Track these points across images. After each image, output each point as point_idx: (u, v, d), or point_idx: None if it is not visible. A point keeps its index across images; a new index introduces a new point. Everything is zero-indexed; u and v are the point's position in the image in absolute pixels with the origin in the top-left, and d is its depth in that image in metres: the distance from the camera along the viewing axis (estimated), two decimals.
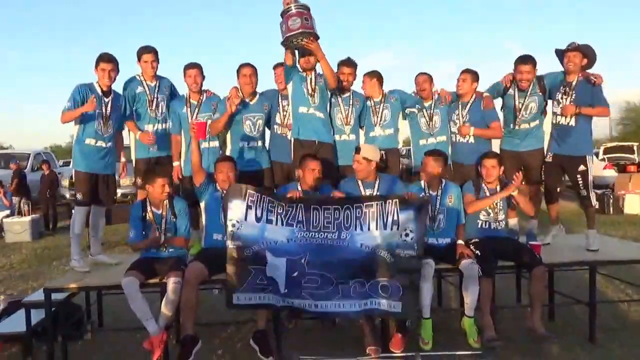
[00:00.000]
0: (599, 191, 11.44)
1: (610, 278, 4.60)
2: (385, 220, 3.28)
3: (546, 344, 3.53)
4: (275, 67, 4.42)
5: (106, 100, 3.94)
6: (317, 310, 3.24)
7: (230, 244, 3.25)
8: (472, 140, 4.25)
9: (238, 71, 4.21)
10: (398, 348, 3.30)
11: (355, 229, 3.29)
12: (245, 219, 3.26)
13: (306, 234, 3.28)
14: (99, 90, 3.90)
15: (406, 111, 4.47)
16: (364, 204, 3.34)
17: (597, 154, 15.25)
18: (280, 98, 4.37)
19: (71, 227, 3.99)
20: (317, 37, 3.79)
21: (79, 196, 3.91)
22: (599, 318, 3.77)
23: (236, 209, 3.28)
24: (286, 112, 4.31)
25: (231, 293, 3.22)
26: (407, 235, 3.27)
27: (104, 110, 3.90)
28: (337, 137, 4.30)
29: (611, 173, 13.61)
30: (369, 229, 3.28)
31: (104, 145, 3.95)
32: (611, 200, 10.60)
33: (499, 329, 3.53)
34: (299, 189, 3.66)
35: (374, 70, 4.43)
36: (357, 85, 4.41)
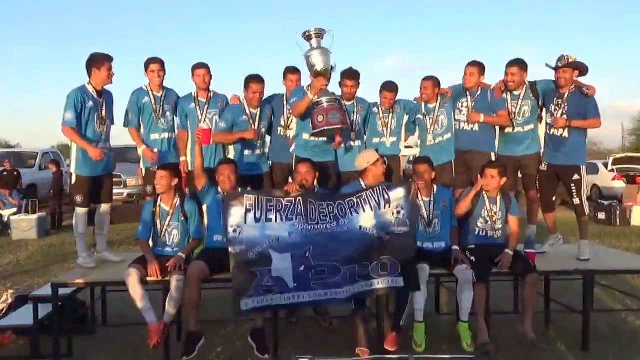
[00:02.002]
0: (606, 202, 11.46)
1: (609, 288, 4.67)
2: (377, 201, 3.48)
3: (538, 351, 3.60)
4: (289, 72, 4.46)
5: (100, 101, 4.07)
6: (328, 299, 3.34)
7: (232, 250, 3.31)
8: (476, 128, 4.35)
9: (246, 84, 4.23)
10: (392, 346, 3.40)
11: (352, 214, 3.47)
12: (245, 222, 3.38)
13: (306, 226, 3.41)
14: (93, 93, 4.02)
15: (415, 119, 4.59)
16: (354, 195, 3.53)
17: (606, 165, 15.23)
18: (285, 101, 4.49)
19: (74, 227, 4.17)
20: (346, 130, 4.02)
21: (79, 199, 4.06)
22: (594, 327, 3.84)
23: (235, 215, 3.40)
24: (290, 114, 4.43)
25: (239, 300, 3.26)
26: (399, 212, 3.46)
27: (101, 111, 4.05)
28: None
29: (620, 184, 13.62)
30: (364, 211, 3.47)
31: (104, 146, 4.12)
32: (618, 212, 10.57)
33: (495, 335, 3.64)
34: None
35: (395, 83, 4.48)
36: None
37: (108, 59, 4.01)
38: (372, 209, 3.47)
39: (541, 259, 3.97)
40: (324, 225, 3.44)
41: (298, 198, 3.47)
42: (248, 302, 3.27)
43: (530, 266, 3.64)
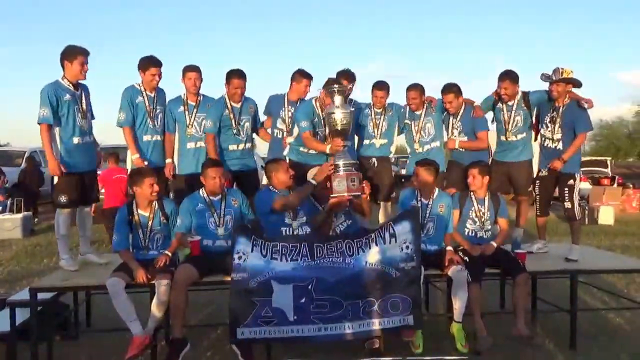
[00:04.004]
0: None
1: (588, 286, 4.57)
2: (383, 236, 3.24)
3: (529, 349, 3.49)
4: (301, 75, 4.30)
5: (78, 93, 3.74)
6: (328, 334, 3.11)
7: (235, 276, 3.12)
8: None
9: (228, 79, 4.06)
10: (410, 335, 3.24)
11: (359, 253, 3.22)
12: (252, 250, 3.18)
13: (311, 263, 3.19)
14: (69, 86, 3.68)
15: (402, 124, 4.47)
16: (364, 237, 3.27)
17: None
18: (286, 104, 4.32)
19: (56, 229, 3.81)
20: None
21: (63, 198, 3.69)
22: (578, 325, 3.71)
23: (243, 243, 3.19)
24: (291, 118, 4.27)
25: (235, 327, 3.08)
26: (407, 247, 3.21)
27: (80, 104, 3.73)
28: None
29: (586, 185, 13.82)
30: (370, 248, 3.23)
31: (88, 139, 3.82)
32: (586, 212, 10.64)
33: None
34: (272, 191, 3.59)
35: (385, 82, 4.35)
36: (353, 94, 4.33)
37: (82, 52, 3.65)
38: (377, 245, 3.22)
39: (528, 258, 3.82)
40: (330, 259, 3.20)
41: (304, 243, 3.25)
42: (244, 332, 3.08)
43: (520, 266, 3.51)
